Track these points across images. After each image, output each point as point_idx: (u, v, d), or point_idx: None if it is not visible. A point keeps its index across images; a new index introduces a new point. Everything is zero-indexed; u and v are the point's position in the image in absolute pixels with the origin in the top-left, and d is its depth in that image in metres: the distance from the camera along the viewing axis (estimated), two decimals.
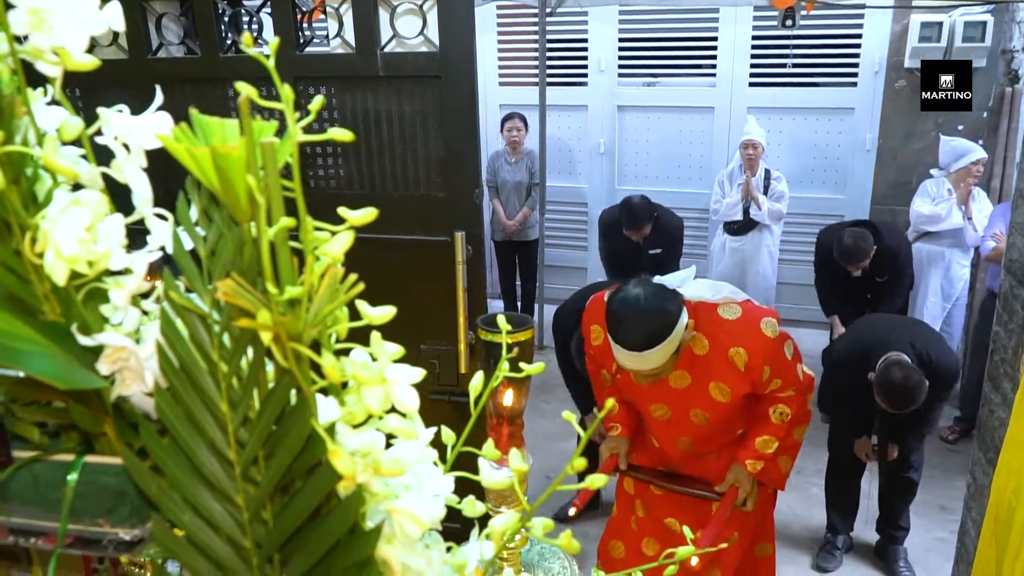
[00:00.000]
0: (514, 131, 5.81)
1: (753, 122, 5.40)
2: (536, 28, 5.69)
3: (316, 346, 0.62)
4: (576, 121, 6.64)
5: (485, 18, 6.33)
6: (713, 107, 6.24)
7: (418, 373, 0.64)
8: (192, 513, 0.64)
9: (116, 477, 0.71)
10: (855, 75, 5.87)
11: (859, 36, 5.77)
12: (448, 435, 0.78)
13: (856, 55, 5.82)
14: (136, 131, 0.68)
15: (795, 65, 5.95)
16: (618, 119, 6.50)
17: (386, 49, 2.41)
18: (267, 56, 0.57)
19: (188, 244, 0.68)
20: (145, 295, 0.72)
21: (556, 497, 0.68)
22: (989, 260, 4.47)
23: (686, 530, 0.90)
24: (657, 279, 2.21)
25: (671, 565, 0.80)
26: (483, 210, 2.63)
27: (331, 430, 0.60)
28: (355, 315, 0.65)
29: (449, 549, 0.76)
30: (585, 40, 6.41)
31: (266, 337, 0.56)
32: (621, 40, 6.33)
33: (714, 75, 6.19)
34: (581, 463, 0.64)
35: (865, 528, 3.70)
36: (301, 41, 2.50)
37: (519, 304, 6.30)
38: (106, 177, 0.72)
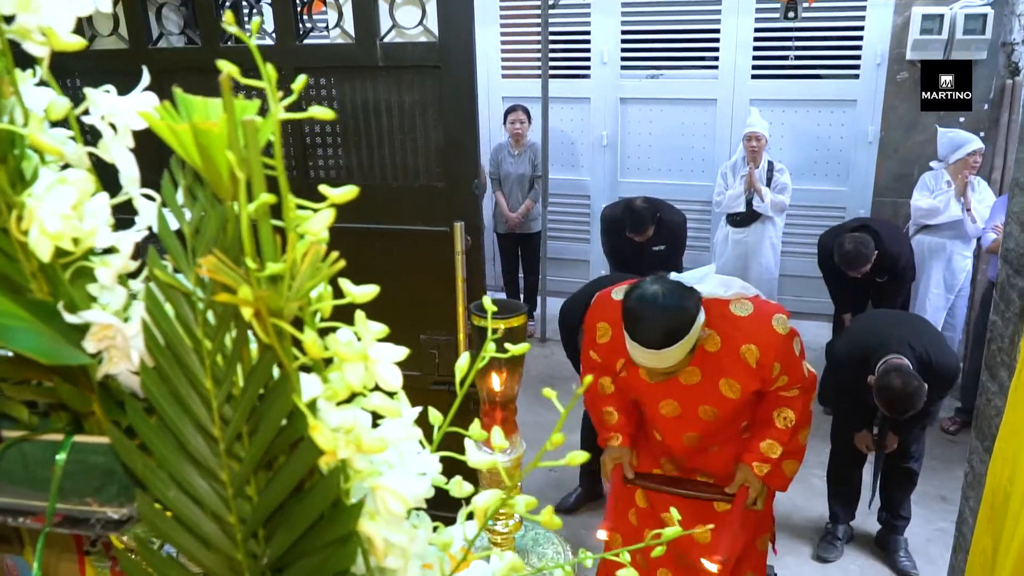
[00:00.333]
0: (517, 123, 5.80)
1: (756, 114, 5.39)
2: (539, 20, 5.67)
3: (300, 325, 0.62)
4: (579, 113, 6.62)
5: (488, 10, 6.31)
6: (716, 99, 6.22)
7: (402, 352, 0.65)
8: (178, 490, 0.65)
9: (105, 456, 0.72)
10: (857, 67, 5.85)
11: (861, 28, 5.75)
12: (436, 415, 0.79)
13: (858, 47, 5.80)
14: (122, 111, 0.69)
15: (797, 57, 5.93)
16: (621, 111, 6.49)
17: (386, 39, 2.41)
18: (248, 34, 0.57)
19: (174, 224, 0.68)
20: (133, 275, 0.72)
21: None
22: (990, 252, 4.46)
23: (673, 511, 0.90)
24: (673, 276, 2.19)
25: (659, 546, 0.81)
26: (485, 202, 2.63)
27: (313, 406, 0.61)
28: (341, 297, 0.65)
29: (436, 528, 0.77)
30: (588, 32, 6.39)
31: (247, 312, 0.57)
32: (624, 32, 6.31)
33: (717, 67, 6.17)
34: (559, 438, 0.64)
35: (866, 518, 3.70)
36: (301, 31, 2.50)
37: (522, 297, 6.30)
38: (96, 159, 0.72)
